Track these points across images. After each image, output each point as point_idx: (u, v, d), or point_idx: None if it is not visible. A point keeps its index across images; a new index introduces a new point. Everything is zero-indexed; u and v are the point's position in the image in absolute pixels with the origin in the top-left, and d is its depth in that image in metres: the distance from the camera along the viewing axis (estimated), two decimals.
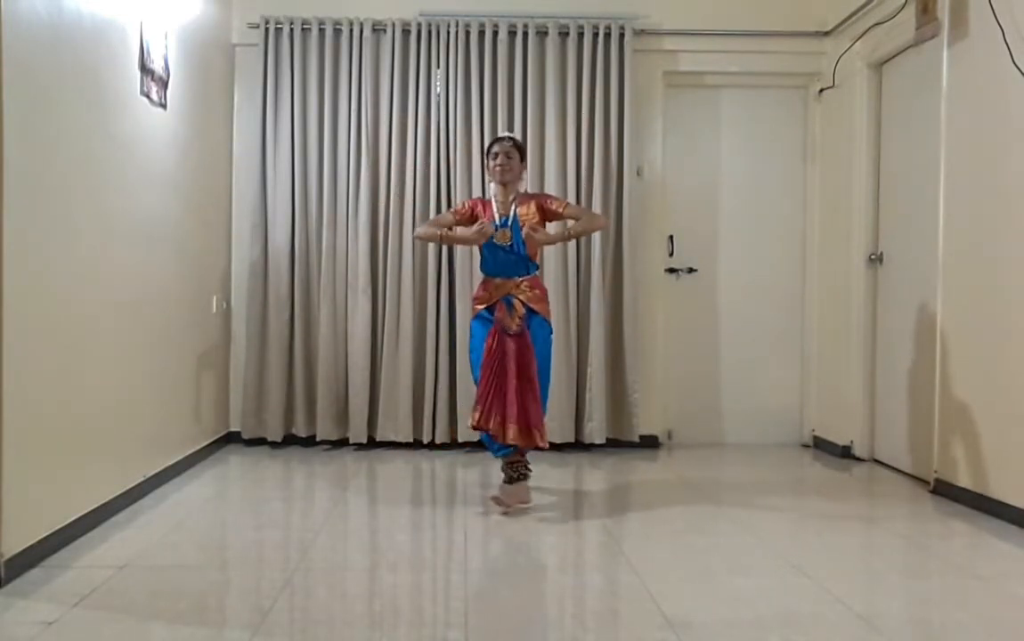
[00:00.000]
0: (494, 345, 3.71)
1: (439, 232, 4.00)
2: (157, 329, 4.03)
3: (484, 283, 3.90)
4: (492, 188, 3.95)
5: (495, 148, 3.89)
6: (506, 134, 4.10)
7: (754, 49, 5.25)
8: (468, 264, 4.97)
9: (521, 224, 3.79)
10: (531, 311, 3.79)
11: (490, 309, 3.81)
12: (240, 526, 3.63)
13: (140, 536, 3.28)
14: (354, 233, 5.06)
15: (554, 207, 3.89)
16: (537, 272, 3.93)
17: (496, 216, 3.83)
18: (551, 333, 3.92)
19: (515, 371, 3.68)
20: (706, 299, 5.45)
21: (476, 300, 3.93)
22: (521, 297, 3.78)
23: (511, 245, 3.80)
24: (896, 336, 4.67)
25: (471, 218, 3.89)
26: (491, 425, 3.66)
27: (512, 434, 3.65)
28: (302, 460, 4.81)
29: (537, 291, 3.86)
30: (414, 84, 5.08)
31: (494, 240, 3.79)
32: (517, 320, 3.74)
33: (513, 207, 3.83)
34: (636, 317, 5.11)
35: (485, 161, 4.08)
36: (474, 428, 3.77)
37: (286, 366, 5.07)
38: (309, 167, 5.09)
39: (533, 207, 3.84)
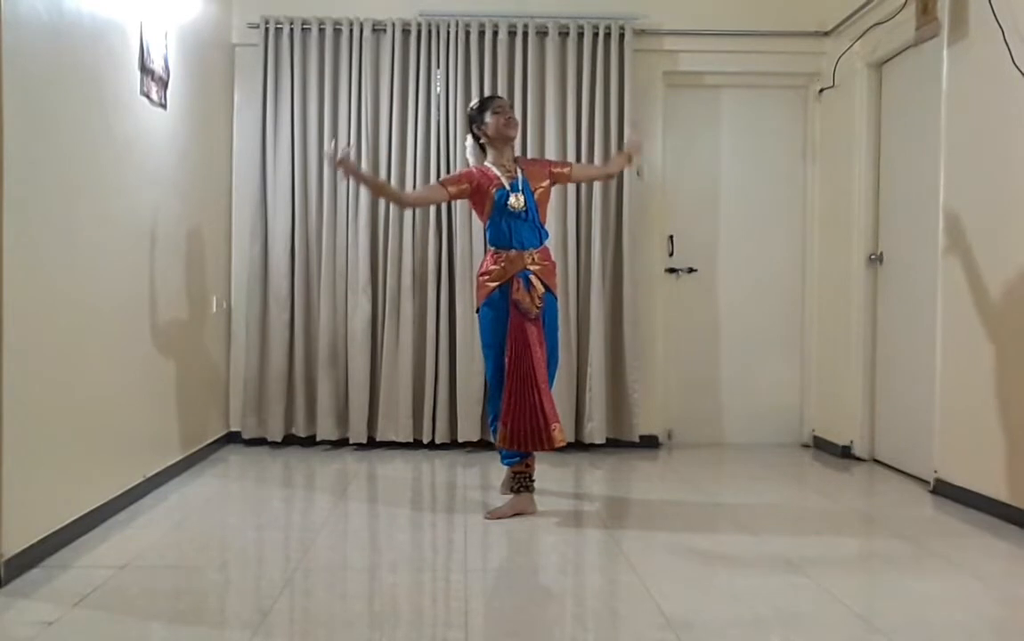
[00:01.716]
0: (516, 341, 3.50)
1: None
2: (157, 329, 4.03)
3: (495, 256, 3.63)
4: (471, 152, 3.79)
5: (499, 102, 3.71)
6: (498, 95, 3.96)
7: (754, 49, 5.25)
8: (468, 264, 4.97)
9: (533, 189, 3.62)
10: (546, 288, 3.62)
11: (502, 289, 3.58)
12: (240, 526, 3.62)
13: (140, 536, 3.29)
14: (354, 233, 5.06)
15: (563, 171, 3.81)
16: (548, 240, 3.76)
17: (504, 181, 3.62)
18: (557, 303, 3.80)
19: (543, 364, 3.51)
20: (706, 299, 5.45)
21: (487, 276, 3.64)
22: (535, 269, 3.59)
23: (525, 210, 3.59)
24: (896, 336, 4.68)
25: (475, 190, 3.64)
26: (529, 445, 3.46)
27: (558, 435, 3.47)
28: (302, 460, 4.81)
29: (548, 263, 3.68)
30: (414, 84, 5.07)
31: (508, 206, 3.58)
32: (538, 301, 3.55)
33: (518, 169, 3.64)
34: (636, 317, 5.11)
35: (479, 119, 3.73)
36: (501, 448, 3.57)
37: (286, 366, 5.07)
38: (309, 167, 5.09)
39: (541, 171, 3.70)
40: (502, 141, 3.68)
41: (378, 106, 5.09)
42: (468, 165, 3.86)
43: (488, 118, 3.70)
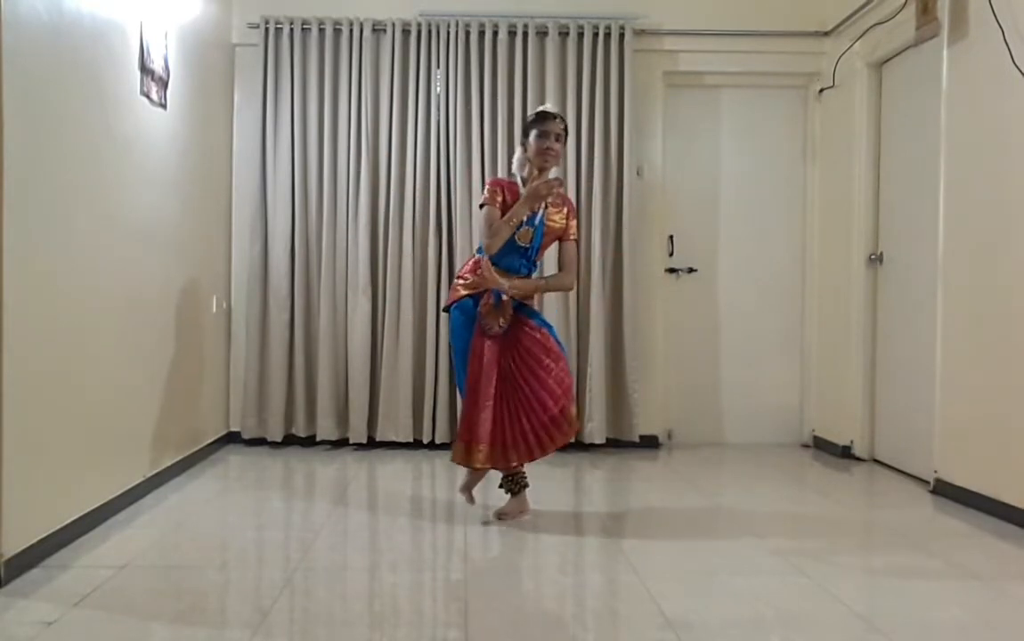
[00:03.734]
0: (474, 355, 3.44)
1: (506, 229, 3.46)
2: (157, 329, 4.03)
3: (476, 265, 3.55)
4: (517, 163, 3.57)
5: (547, 127, 3.48)
6: (556, 111, 3.64)
7: (754, 49, 5.25)
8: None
9: (546, 228, 3.51)
10: (520, 305, 3.52)
11: (475, 298, 3.49)
12: (240, 526, 3.62)
13: (140, 536, 3.28)
14: (354, 233, 5.06)
15: (571, 235, 3.60)
16: (536, 273, 3.70)
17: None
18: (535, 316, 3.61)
19: (496, 381, 3.42)
20: (706, 299, 5.45)
21: (462, 281, 3.56)
22: (513, 292, 3.47)
23: (529, 247, 3.51)
24: (896, 336, 4.68)
25: (506, 207, 3.49)
26: (459, 457, 3.46)
27: (478, 458, 3.41)
28: (302, 460, 4.81)
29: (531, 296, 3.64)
30: (414, 84, 5.08)
31: (515, 238, 3.49)
32: (503, 321, 3.44)
33: (544, 205, 3.51)
34: (636, 317, 5.11)
35: (526, 132, 3.58)
36: (455, 462, 3.54)
37: (286, 366, 5.07)
38: (309, 167, 5.09)
39: (564, 219, 3.57)
40: (538, 169, 3.53)
41: (378, 106, 5.09)
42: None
43: (532, 138, 3.52)
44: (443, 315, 5.02)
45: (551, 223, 3.56)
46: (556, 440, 3.46)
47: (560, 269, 3.74)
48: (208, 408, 4.83)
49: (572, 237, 3.64)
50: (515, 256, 3.54)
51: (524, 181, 3.56)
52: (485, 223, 3.52)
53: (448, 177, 5.08)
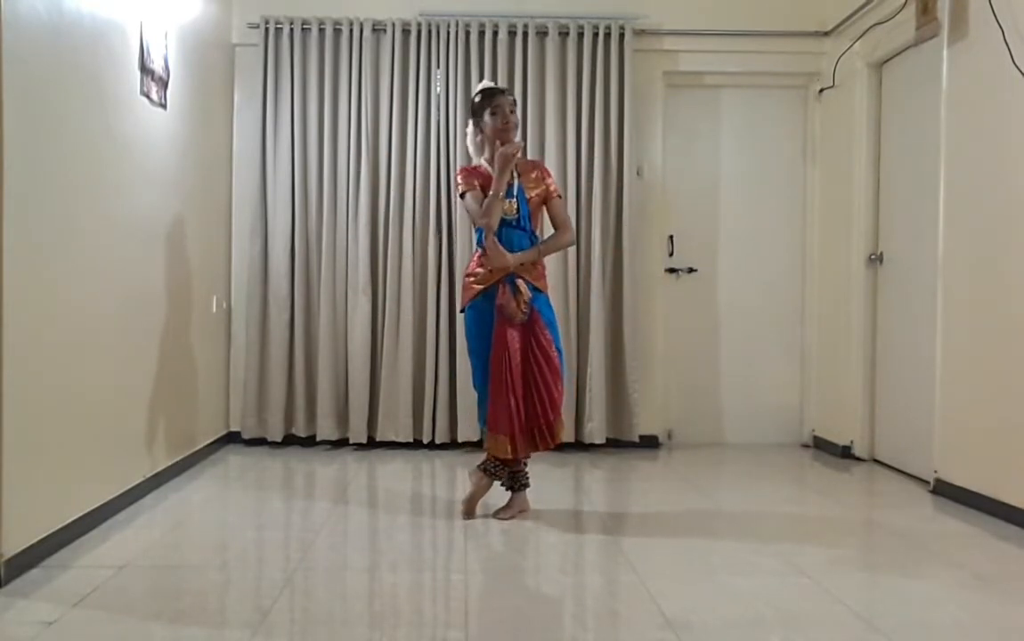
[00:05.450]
0: (497, 347, 3.43)
1: (496, 203, 3.43)
2: (157, 329, 4.03)
3: (482, 258, 3.50)
4: (475, 148, 3.58)
5: (498, 101, 3.49)
6: (503, 86, 3.64)
7: (754, 49, 5.25)
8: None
9: (528, 196, 3.50)
10: (535, 290, 3.49)
11: (487, 293, 3.49)
12: (240, 526, 3.62)
13: (140, 536, 3.29)
14: (354, 233, 5.06)
15: (554, 193, 3.58)
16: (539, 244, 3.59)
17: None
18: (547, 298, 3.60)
19: (520, 371, 3.44)
20: (706, 299, 5.45)
21: (472, 277, 3.52)
22: (525, 275, 3.45)
23: (517, 218, 3.48)
24: (896, 336, 4.68)
25: (484, 190, 3.49)
26: (495, 449, 3.46)
27: (521, 445, 3.45)
28: (302, 460, 4.81)
29: (539, 267, 3.54)
30: (414, 84, 5.08)
31: (502, 213, 3.47)
32: (524, 305, 3.42)
33: (515, 173, 3.50)
34: (636, 317, 5.11)
35: (479, 114, 3.56)
36: (513, 460, 3.51)
37: (286, 366, 5.07)
38: (309, 167, 5.09)
39: (538, 178, 3.56)
40: (500, 145, 3.50)
41: (378, 106, 5.09)
42: (468, 155, 3.78)
43: (487, 117, 3.54)
44: (444, 315, 5.05)
45: (530, 190, 3.54)
46: (540, 447, 3.52)
47: (555, 229, 3.65)
48: (208, 408, 4.83)
49: (556, 195, 3.62)
50: (512, 231, 3.51)
51: (489, 163, 3.56)
52: (474, 205, 3.53)
53: (448, 177, 5.07)
